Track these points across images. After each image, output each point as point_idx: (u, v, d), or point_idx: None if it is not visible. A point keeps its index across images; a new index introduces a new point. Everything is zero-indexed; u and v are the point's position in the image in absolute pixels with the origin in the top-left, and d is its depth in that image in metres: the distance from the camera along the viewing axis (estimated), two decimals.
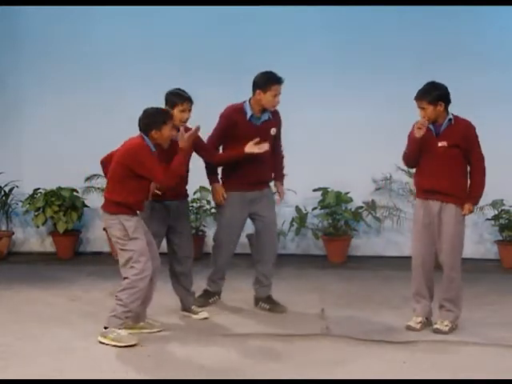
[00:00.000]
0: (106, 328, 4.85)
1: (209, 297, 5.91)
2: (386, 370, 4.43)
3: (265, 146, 5.51)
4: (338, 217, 8.22)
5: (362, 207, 8.33)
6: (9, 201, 8.60)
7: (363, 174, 8.28)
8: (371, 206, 8.32)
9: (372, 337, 5.09)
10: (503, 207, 8.05)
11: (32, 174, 8.52)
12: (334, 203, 8.07)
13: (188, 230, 5.69)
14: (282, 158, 6.03)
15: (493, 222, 8.14)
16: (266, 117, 5.68)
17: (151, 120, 4.90)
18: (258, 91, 5.57)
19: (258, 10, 8.24)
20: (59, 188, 8.32)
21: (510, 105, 8.12)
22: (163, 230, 5.46)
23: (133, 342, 4.76)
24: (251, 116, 5.63)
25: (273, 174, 5.94)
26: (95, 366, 4.46)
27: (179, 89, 5.42)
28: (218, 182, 5.79)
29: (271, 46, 8.35)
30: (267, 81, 5.56)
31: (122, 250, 4.91)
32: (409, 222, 8.15)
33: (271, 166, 5.87)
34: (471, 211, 5.34)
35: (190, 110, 5.36)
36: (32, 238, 8.86)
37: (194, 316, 5.59)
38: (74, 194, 8.39)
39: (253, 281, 5.94)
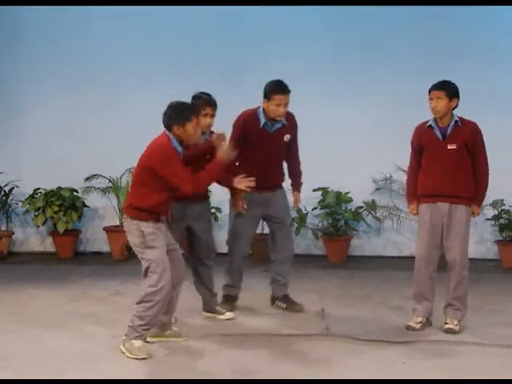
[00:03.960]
0: (125, 336, 4.70)
1: (233, 300, 5.88)
2: (386, 370, 4.42)
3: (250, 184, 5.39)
4: (338, 217, 8.22)
5: (361, 207, 8.33)
6: (9, 201, 8.62)
7: (363, 174, 8.29)
8: (371, 205, 8.32)
9: (372, 337, 5.08)
10: (503, 207, 8.05)
11: (32, 174, 8.54)
12: (334, 203, 8.08)
13: (209, 231, 5.61)
14: (299, 164, 5.95)
15: (493, 222, 8.14)
16: (279, 124, 5.64)
17: (174, 114, 4.62)
18: (264, 100, 5.54)
19: (258, 11, 8.25)
20: (59, 188, 8.33)
21: (508, 105, 8.12)
22: (179, 232, 5.37)
23: (142, 356, 4.56)
24: (265, 123, 5.60)
25: (283, 178, 5.91)
26: (95, 366, 4.45)
27: (203, 92, 5.34)
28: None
29: (271, 46, 8.37)
30: (270, 90, 5.50)
31: (141, 258, 4.71)
32: (409, 222, 8.18)
33: (281, 172, 5.87)
34: (478, 213, 5.41)
35: (213, 115, 5.30)
36: (32, 237, 8.88)
37: (220, 316, 5.56)
38: (74, 194, 8.40)
39: (269, 280, 5.95)
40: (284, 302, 5.88)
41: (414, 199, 5.40)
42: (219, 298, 5.84)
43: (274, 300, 5.94)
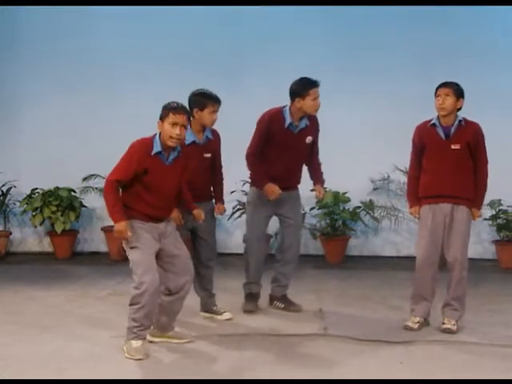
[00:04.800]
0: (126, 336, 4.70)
1: (255, 298, 5.86)
2: (384, 370, 4.43)
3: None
4: (336, 217, 8.23)
5: (359, 207, 8.34)
6: (6, 201, 8.62)
7: (361, 174, 8.30)
8: (369, 205, 8.33)
9: (369, 337, 5.08)
10: (501, 207, 8.06)
11: (30, 173, 8.53)
12: (331, 203, 8.08)
13: (212, 232, 5.61)
14: (320, 165, 5.95)
15: (490, 222, 8.15)
16: (303, 125, 5.63)
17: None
18: (297, 99, 5.51)
19: (258, 11, 8.25)
20: (57, 188, 8.32)
21: (506, 106, 8.14)
22: (184, 234, 5.36)
23: (138, 357, 4.54)
24: (290, 124, 5.59)
25: (300, 180, 5.90)
26: (94, 366, 4.45)
27: (205, 89, 5.32)
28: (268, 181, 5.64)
29: (270, 46, 8.38)
30: (304, 86, 5.50)
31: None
32: (407, 222, 8.19)
33: (299, 174, 5.86)
34: (479, 215, 5.39)
35: (217, 111, 5.32)
36: (30, 237, 8.87)
37: (219, 317, 5.57)
38: (72, 194, 8.39)
39: (270, 279, 5.95)
40: (282, 302, 5.89)
41: (416, 202, 5.39)
42: (241, 298, 5.85)
43: (272, 300, 5.95)
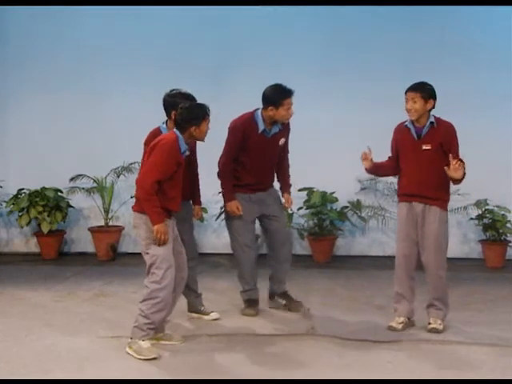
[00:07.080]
0: (131, 338, 4.67)
1: (256, 303, 5.82)
2: (371, 370, 4.44)
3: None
4: (324, 217, 8.24)
5: (347, 207, 8.35)
6: None
7: (348, 174, 8.30)
8: (356, 205, 8.35)
9: (357, 336, 5.10)
10: (487, 207, 8.09)
11: (16, 174, 8.49)
12: (319, 203, 8.09)
13: (192, 231, 5.62)
14: (288, 166, 5.97)
15: (476, 221, 8.18)
16: (276, 129, 5.64)
17: (191, 116, 4.72)
18: (270, 107, 5.50)
19: (245, 11, 8.22)
20: (43, 188, 8.28)
21: (493, 106, 8.16)
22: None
23: (152, 356, 4.54)
24: (263, 130, 5.59)
25: (274, 178, 5.90)
26: (80, 367, 4.45)
27: (182, 92, 5.23)
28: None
29: (257, 46, 8.36)
30: (279, 96, 5.47)
31: (145, 253, 4.67)
32: (394, 222, 8.19)
33: (273, 174, 5.87)
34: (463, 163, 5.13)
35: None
36: (16, 238, 8.82)
37: (206, 317, 5.57)
38: (59, 194, 8.35)
39: (268, 276, 5.93)
40: (283, 298, 5.88)
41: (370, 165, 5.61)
42: (240, 304, 5.83)
43: (272, 296, 5.93)
